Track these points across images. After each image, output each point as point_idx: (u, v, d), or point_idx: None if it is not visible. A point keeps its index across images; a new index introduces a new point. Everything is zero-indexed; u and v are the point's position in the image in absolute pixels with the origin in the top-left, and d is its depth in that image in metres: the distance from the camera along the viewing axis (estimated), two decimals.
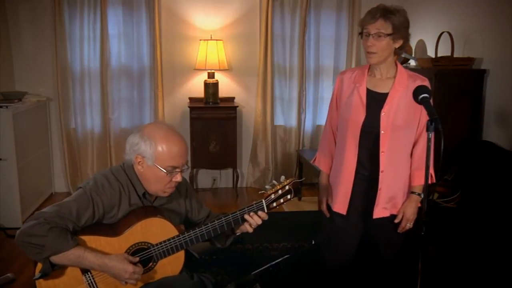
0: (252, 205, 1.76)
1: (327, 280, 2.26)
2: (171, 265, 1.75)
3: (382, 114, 1.95)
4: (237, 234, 1.88)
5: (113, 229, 1.70)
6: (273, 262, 1.72)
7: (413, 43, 3.97)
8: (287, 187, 1.75)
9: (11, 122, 3.62)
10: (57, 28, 4.24)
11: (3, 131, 3.60)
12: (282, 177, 1.80)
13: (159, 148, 1.67)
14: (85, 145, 4.55)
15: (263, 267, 1.71)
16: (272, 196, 1.75)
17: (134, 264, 1.66)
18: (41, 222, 1.55)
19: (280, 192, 1.75)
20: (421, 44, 3.93)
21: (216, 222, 1.75)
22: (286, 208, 4.12)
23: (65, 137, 4.46)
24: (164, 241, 1.71)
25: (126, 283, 1.66)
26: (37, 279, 1.60)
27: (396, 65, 2.02)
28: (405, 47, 1.98)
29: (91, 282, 1.68)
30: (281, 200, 1.77)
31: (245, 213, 1.76)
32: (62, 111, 4.41)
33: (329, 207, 2.18)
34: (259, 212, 1.76)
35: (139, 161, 1.71)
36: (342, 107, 2.07)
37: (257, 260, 3.14)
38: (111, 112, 4.53)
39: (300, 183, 1.82)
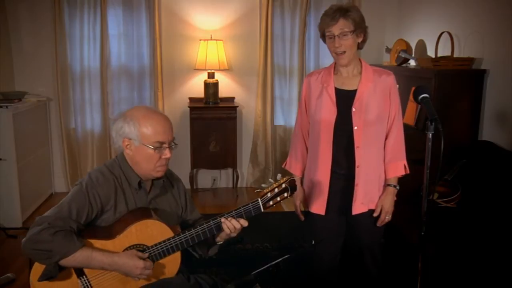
0: (248, 204, 1.74)
1: (316, 283, 2.27)
2: (168, 267, 1.74)
3: (353, 110, 1.99)
4: (219, 243, 1.85)
5: (108, 231, 1.70)
6: (273, 262, 1.72)
7: (413, 43, 3.97)
8: (283, 185, 1.73)
9: (11, 122, 3.62)
10: (57, 28, 4.24)
11: (3, 131, 3.60)
12: (279, 175, 1.79)
13: (143, 127, 1.69)
14: (85, 145, 4.55)
15: (263, 267, 1.70)
16: (268, 194, 1.73)
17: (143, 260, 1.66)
18: (45, 227, 1.55)
19: (276, 190, 1.73)
20: (421, 44, 3.93)
21: (211, 222, 1.73)
22: (285, 207, 4.12)
23: (65, 137, 4.46)
24: (160, 243, 1.70)
25: (139, 279, 1.67)
26: (41, 280, 1.60)
27: (360, 61, 2.07)
28: (366, 40, 2.04)
29: (87, 285, 1.67)
30: (278, 199, 1.75)
31: (225, 218, 1.73)
32: (62, 111, 4.41)
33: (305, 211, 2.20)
34: (240, 220, 1.73)
35: (127, 145, 1.72)
36: (312, 109, 2.10)
37: (257, 260, 3.13)
38: (111, 112, 4.53)
39: (296, 180, 1.81)
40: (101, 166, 1.79)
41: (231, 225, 1.71)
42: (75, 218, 1.63)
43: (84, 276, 1.66)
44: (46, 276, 1.58)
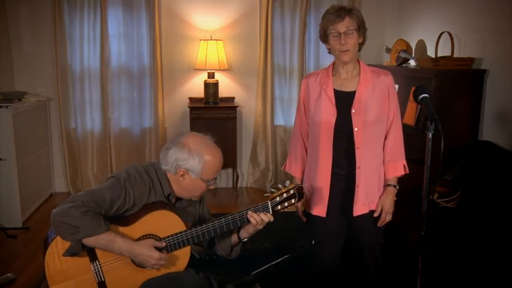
0: (258, 206, 1.79)
1: (316, 283, 2.27)
2: (177, 261, 1.78)
3: (353, 111, 1.99)
4: (244, 240, 1.92)
5: (124, 219, 1.74)
6: (273, 262, 1.73)
7: (413, 43, 3.97)
8: (292, 191, 1.78)
9: (11, 122, 3.62)
10: (57, 28, 4.24)
11: (3, 131, 3.60)
12: (287, 182, 1.83)
13: (207, 165, 1.77)
14: (85, 145, 4.55)
15: (263, 267, 1.71)
16: (277, 198, 1.78)
17: (161, 250, 1.71)
18: (78, 205, 1.61)
19: (285, 195, 1.78)
20: (421, 44, 3.93)
21: (223, 219, 1.78)
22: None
23: (65, 137, 4.46)
24: (172, 235, 1.74)
25: (152, 269, 1.72)
26: (65, 255, 1.66)
27: (359, 62, 2.07)
28: (364, 42, 2.05)
29: (98, 271, 1.71)
30: (286, 204, 1.80)
31: (251, 211, 1.78)
32: (62, 111, 4.41)
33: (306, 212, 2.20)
34: (265, 213, 1.79)
35: (182, 174, 1.77)
36: (311, 111, 2.10)
37: (257, 260, 3.13)
38: (111, 112, 4.53)
39: (304, 188, 1.85)
40: (137, 165, 1.83)
41: (259, 218, 1.77)
42: (107, 206, 1.68)
43: (96, 261, 1.71)
44: (70, 253, 1.64)
